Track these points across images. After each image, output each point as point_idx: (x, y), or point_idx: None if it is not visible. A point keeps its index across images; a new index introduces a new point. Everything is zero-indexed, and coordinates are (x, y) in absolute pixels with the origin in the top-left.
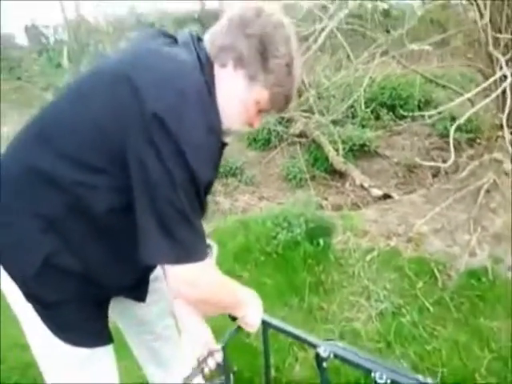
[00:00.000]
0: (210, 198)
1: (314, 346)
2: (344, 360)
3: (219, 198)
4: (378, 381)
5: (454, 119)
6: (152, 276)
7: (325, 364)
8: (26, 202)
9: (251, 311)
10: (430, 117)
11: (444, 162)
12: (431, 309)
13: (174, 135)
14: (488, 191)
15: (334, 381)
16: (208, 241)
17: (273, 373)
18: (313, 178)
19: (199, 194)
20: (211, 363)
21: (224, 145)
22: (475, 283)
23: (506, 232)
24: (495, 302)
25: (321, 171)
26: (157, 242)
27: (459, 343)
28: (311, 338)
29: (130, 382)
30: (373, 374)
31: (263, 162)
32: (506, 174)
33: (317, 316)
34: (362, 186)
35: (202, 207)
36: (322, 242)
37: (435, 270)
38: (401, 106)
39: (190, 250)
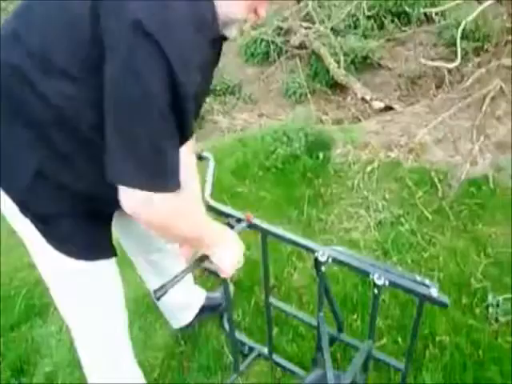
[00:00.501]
0: (207, 117)
1: (313, 251)
2: (342, 263)
3: (217, 117)
4: (377, 282)
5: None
6: None
7: (323, 268)
8: (9, 108)
9: (221, 253)
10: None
11: (449, 71)
12: (430, 217)
13: (154, 34)
14: (494, 98)
15: (331, 288)
16: (204, 153)
17: (272, 281)
18: (313, 92)
19: (183, 109)
20: (205, 263)
21: (222, 41)
22: (475, 192)
23: (509, 140)
24: (495, 209)
25: (321, 85)
26: (121, 164)
27: (457, 249)
28: (310, 244)
29: (134, 295)
30: (371, 276)
31: (262, 78)
32: None
33: (315, 227)
34: (363, 99)
35: (186, 128)
36: (321, 155)
37: (435, 180)
38: (406, 14)
39: (155, 178)
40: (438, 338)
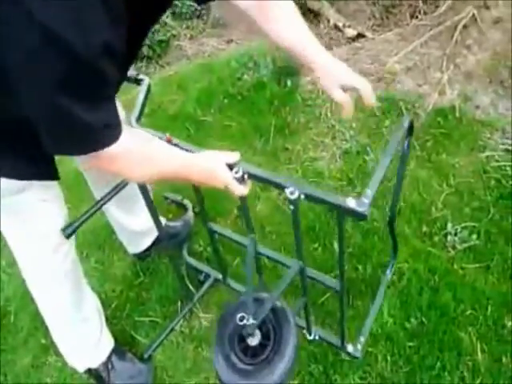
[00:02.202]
0: (173, 42)
1: (283, 188)
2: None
3: (183, 43)
4: (291, 197)
5: None
6: None
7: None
8: None
9: (215, 174)
10: None
11: (425, 1)
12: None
13: None
14: (466, 27)
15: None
16: (140, 75)
17: (235, 212)
18: None
19: (94, 70)
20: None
21: None
22: (442, 121)
23: (478, 71)
24: (459, 139)
25: None
26: (50, 138)
27: (419, 179)
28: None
29: (92, 227)
30: (286, 191)
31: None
32: (487, 7)
33: (281, 157)
34: (336, 27)
35: (106, 83)
36: (289, 82)
37: (403, 109)
38: None
39: (85, 140)
40: (396, 265)
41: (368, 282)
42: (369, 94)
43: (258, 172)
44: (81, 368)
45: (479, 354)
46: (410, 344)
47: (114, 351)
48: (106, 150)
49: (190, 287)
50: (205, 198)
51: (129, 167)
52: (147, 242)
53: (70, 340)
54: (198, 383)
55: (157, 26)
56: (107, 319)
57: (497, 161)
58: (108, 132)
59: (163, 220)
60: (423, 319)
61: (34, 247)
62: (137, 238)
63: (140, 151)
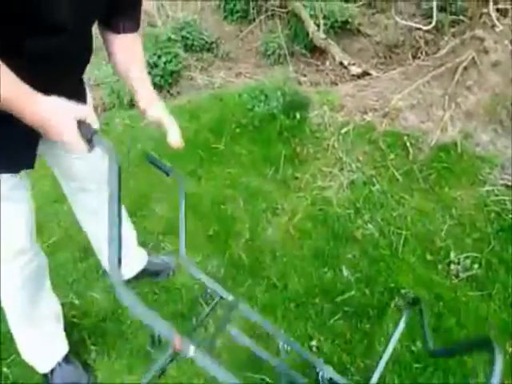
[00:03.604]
0: (183, 73)
1: None
2: None
3: (193, 74)
4: None
5: None
6: None
7: None
8: None
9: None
10: None
11: (426, 42)
12: (400, 179)
13: None
14: (466, 69)
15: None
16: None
17: (247, 235)
18: (292, 54)
19: None
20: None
21: None
22: (444, 156)
23: (478, 110)
24: (461, 174)
25: (301, 48)
26: None
27: (424, 210)
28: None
29: None
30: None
31: (240, 36)
32: (486, 51)
33: (290, 185)
34: (341, 64)
35: None
36: (298, 115)
37: (407, 144)
38: None
39: None
40: (402, 291)
41: (375, 305)
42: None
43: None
44: (41, 368)
45: (482, 377)
46: (417, 365)
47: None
48: None
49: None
50: (217, 221)
51: None
52: (126, 274)
53: (24, 339)
54: None
55: (169, 57)
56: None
57: (496, 195)
58: None
59: (145, 255)
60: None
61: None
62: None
63: None
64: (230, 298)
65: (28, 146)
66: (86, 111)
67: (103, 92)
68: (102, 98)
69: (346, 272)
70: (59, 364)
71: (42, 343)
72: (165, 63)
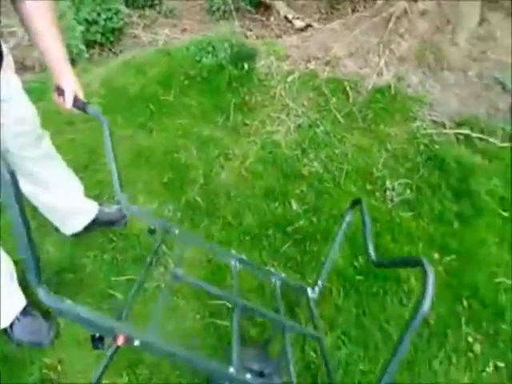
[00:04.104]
0: (126, 30)
1: None
2: None
3: (137, 31)
4: None
5: None
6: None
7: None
8: None
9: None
10: None
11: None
12: (342, 120)
13: None
14: (398, 18)
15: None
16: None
17: (202, 181)
18: (237, 10)
19: None
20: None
21: None
22: (380, 98)
23: (409, 55)
24: (394, 112)
25: (245, 4)
26: None
27: (363, 147)
28: None
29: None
30: None
31: None
32: (416, 0)
33: (240, 131)
34: (286, 19)
35: None
36: (246, 65)
37: (347, 88)
38: None
39: None
40: (344, 217)
41: (321, 232)
42: (67, 98)
43: None
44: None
45: (413, 280)
46: (358, 277)
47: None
48: None
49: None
50: (171, 169)
51: None
52: (79, 223)
53: None
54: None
55: (109, 14)
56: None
57: (425, 129)
58: None
59: (96, 204)
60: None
61: None
62: (68, 218)
63: None
64: (176, 231)
65: None
66: None
67: (38, 52)
68: (39, 58)
69: (294, 205)
70: (17, 318)
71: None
72: (105, 20)
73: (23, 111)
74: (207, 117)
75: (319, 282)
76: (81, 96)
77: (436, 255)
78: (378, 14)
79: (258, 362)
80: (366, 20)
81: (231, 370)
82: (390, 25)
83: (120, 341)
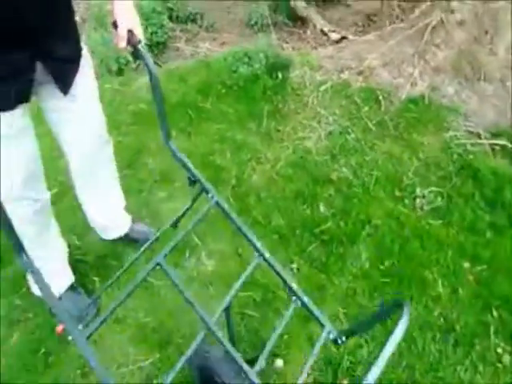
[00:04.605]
0: (170, 44)
1: None
2: None
3: (180, 45)
4: None
5: None
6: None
7: None
8: None
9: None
10: None
11: (403, 10)
12: (373, 128)
13: None
14: (434, 28)
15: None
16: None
17: (234, 182)
18: (275, 24)
19: None
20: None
21: None
22: (413, 107)
23: (445, 65)
24: (428, 122)
25: (283, 17)
26: None
27: (393, 154)
28: None
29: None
30: None
31: (224, 8)
32: (452, 11)
33: (273, 137)
34: (322, 32)
35: None
36: (280, 75)
37: (380, 97)
38: None
39: None
40: (373, 222)
41: (348, 235)
42: (119, 35)
43: None
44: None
45: (440, 287)
46: (384, 280)
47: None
48: None
49: None
50: (205, 171)
51: None
52: (114, 234)
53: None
54: None
55: (155, 28)
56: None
57: (459, 139)
58: None
59: (129, 221)
60: (395, 262)
61: None
62: (101, 229)
63: None
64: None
65: (20, 82)
66: None
67: (93, 61)
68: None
69: (322, 208)
70: (65, 293)
71: (49, 276)
72: (151, 34)
73: (94, 113)
74: (242, 123)
75: (343, 337)
76: (139, 34)
77: (466, 264)
78: (414, 25)
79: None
80: (401, 31)
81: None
82: (426, 35)
83: (59, 329)
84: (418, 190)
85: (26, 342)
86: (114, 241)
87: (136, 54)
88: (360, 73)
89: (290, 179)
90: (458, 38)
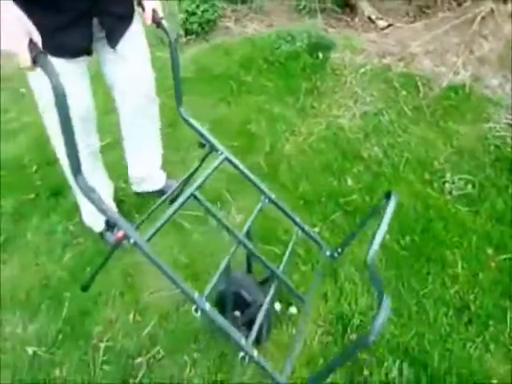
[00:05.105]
0: (219, 22)
1: None
2: None
3: (228, 23)
4: None
5: None
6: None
7: None
8: None
9: None
10: None
11: (459, 4)
12: (409, 113)
13: None
14: (484, 18)
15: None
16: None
17: (267, 149)
18: (323, 10)
19: None
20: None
21: None
22: (452, 95)
23: (490, 56)
24: (466, 111)
25: (332, 4)
26: None
27: (427, 139)
28: None
29: None
30: None
31: None
32: (504, 1)
33: (308, 112)
34: (369, 19)
35: None
36: (321, 55)
37: (419, 83)
38: None
39: None
40: (399, 200)
41: (373, 206)
42: (146, 15)
43: None
44: (96, 228)
45: (460, 268)
46: (402, 253)
47: None
48: None
49: None
50: (242, 137)
51: None
52: (148, 187)
53: (85, 207)
54: None
55: (206, 6)
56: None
57: (498, 131)
58: None
59: (164, 177)
60: (416, 238)
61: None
62: (140, 182)
63: None
64: (223, 154)
65: (81, 34)
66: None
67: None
68: None
69: (350, 182)
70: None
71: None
72: (202, 12)
73: (143, 71)
74: (280, 97)
75: (339, 249)
76: (160, 13)
77: (490, 251)
78: (463, 15)
79: (248, 289)
80: (449, 20)
81: (196, 295)
82: (474, 26)
83: (119, 234)
84: (448, 176)
85: (77, 261)
86: (148, 193)
87: (159, 27)
88: (401, 59)
89: (321, 152)
90: (507, 30)
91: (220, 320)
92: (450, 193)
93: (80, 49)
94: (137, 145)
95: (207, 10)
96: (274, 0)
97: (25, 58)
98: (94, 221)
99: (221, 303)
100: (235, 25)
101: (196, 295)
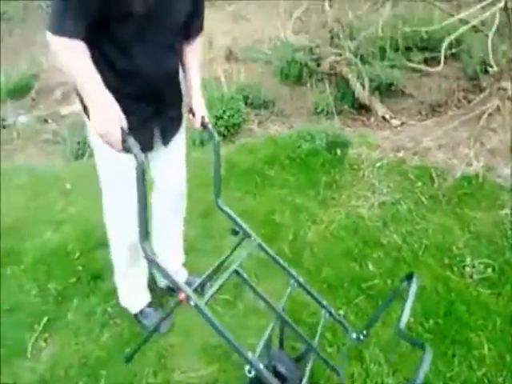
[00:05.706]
0: (243, 126)
1: None
2: None
3: (252, 126)
4: None
5: (484, 63)
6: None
7: None
8: None
9: (94, 113)
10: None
11: (469, 102)
12: (425, 202)
13: None
14: (491, 114)
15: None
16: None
17: (291, 237)
18: (340, 112)
19: None
20: None
21: None
22: (466, 184)
23: (501, 148)
24: (481, 199)
25: (348, 106)
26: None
27: (445, 225)
28: None
29: None
30: None
31: (294, 97)
32: (509, 99)
33: (329, 203)
34: (384, 119)
35: None
36: (339, 151)
37: (434, 175)
38: (432, 50)
39: (54, 22)
40: (420, 284)
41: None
42: (196, 119)
43: None
44: (132, 310)
45: (486, 350)
46: (427, 336)
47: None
48: (68, 40)
49: None
50: (267, 226)
51: (68, 60)
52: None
53: (123, 290)
54: None
55: (232, 112)
56: None
57: None
58: (73, 24)
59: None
60: (439, 321)
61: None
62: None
63: (79, 53)
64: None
65: (146, 133)
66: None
67: None
68: None
69: (371, 267)
70: (146, 307)
71: (134, 293)
72: (228, 117)
73: (180, 166)
74: (301, 190)
75: (364, 331)
76: (206, 118)
77: None
78: (471, 112)
79: (284, 365)
80: (458, 117)
81: (249, 355)
82: (482, 121)
83: (181, 296)
84: (468, 260)
85: (114, 341)
86: (169, 289)
87: (205, 130)
88: (415, 153)
89: (342, 239)
90: None
91: (274, 382)
92: (471, 276)
93: (147, 145)
94: (164, 239)
95: (233, 115)
96: (294, 104)
97: (117, 140)
98: (130, 302)
99: (257, 379)
100: (258, 127)
101: (250, 355)
